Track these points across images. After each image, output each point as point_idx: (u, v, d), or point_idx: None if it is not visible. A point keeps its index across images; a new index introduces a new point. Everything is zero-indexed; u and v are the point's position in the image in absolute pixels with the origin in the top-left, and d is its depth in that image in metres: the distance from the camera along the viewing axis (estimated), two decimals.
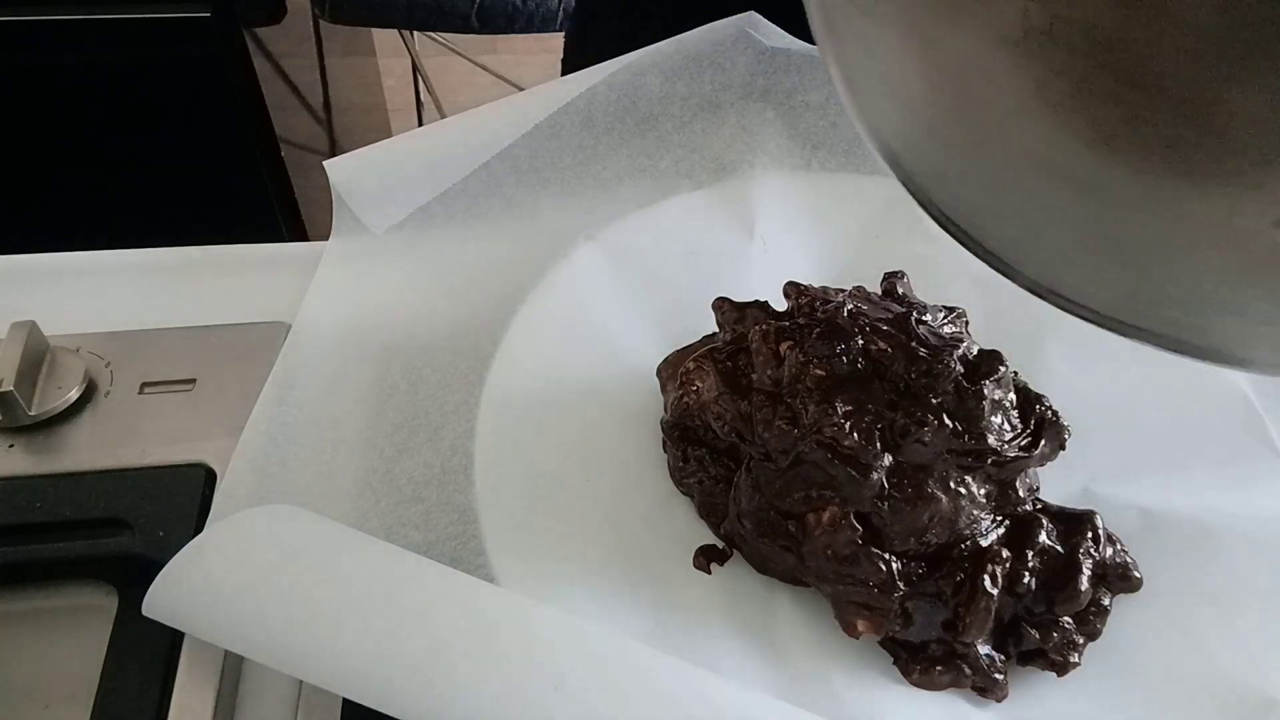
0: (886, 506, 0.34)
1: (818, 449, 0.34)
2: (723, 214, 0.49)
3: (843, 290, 0.39)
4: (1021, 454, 0.35)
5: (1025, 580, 0.34)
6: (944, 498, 0.34)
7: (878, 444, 0.34)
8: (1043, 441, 0.36)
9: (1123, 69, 0.17)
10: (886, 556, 0.34)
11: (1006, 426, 0.35)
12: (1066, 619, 0.35)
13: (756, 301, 0.41)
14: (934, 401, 0.34)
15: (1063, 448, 0.37)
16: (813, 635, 0.36)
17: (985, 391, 0.35)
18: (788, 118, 0.52)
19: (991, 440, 0.34)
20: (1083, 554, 0.35)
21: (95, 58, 0.90)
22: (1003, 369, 0.36)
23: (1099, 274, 0.22)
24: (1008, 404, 0.36)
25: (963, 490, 0.35)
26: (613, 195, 0.50)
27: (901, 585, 0.34)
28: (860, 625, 0.34)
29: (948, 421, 0.34)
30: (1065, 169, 0.20)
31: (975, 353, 0.36)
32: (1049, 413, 0.36)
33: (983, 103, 0.21)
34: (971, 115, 0.21)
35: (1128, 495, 0.39)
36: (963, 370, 0.35)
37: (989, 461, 0.35)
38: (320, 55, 1.28)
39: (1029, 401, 0.37)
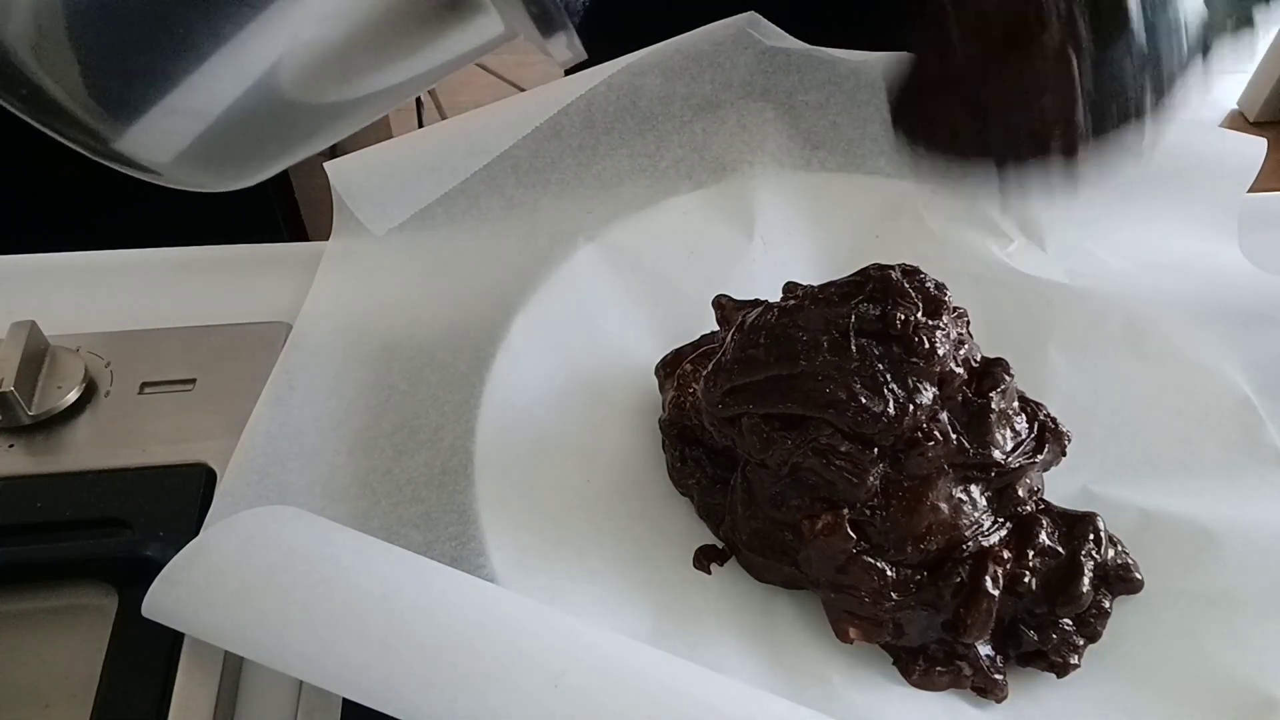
0: (882, 515, 0.34)
1: (813, 456, 0.33)
2: (723, 214, 0.49)
3: None
4: (1025, 462, 0.35)
5: (1026, 581, 0.34)
6: (943, 506, 0.34)
7: (875, 448, 0.34)
8: (1045, 448, 0.36)
9: None
10: (881, 566, 0.34)
11: (1009, 435, 0.35)
12: (1066, 620, 0.35)
13: (756, 301, 0.40)
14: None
15: (1064, 453, 0.36)
16: (813, 635, 0.36)
17: (993, 405, 0.35)
18: (788, 117, 0.52)
19: (996, 455, 0.34)
20: (1084, 556, 0.35)
21: None
22: (1008, 379, 0.36)
23: None
24: (1011, 413, 0.36)
25: (963, 498, 0.35)
26: (613, 195, 0.50)
27: (894, 595, 0.34)
28: (853, 632, 0.34)
29: (953, 437, 0.34)
30: None
31: (979, 359, 0.36)
32: (1049, 420, 0.36)
33: None
34: None
35: (1128, 496, 0.39)
36: (965, 376, 0.35)
37: (992, 474, 0.35)
38: None
39: (1027, 407, 0.37)
